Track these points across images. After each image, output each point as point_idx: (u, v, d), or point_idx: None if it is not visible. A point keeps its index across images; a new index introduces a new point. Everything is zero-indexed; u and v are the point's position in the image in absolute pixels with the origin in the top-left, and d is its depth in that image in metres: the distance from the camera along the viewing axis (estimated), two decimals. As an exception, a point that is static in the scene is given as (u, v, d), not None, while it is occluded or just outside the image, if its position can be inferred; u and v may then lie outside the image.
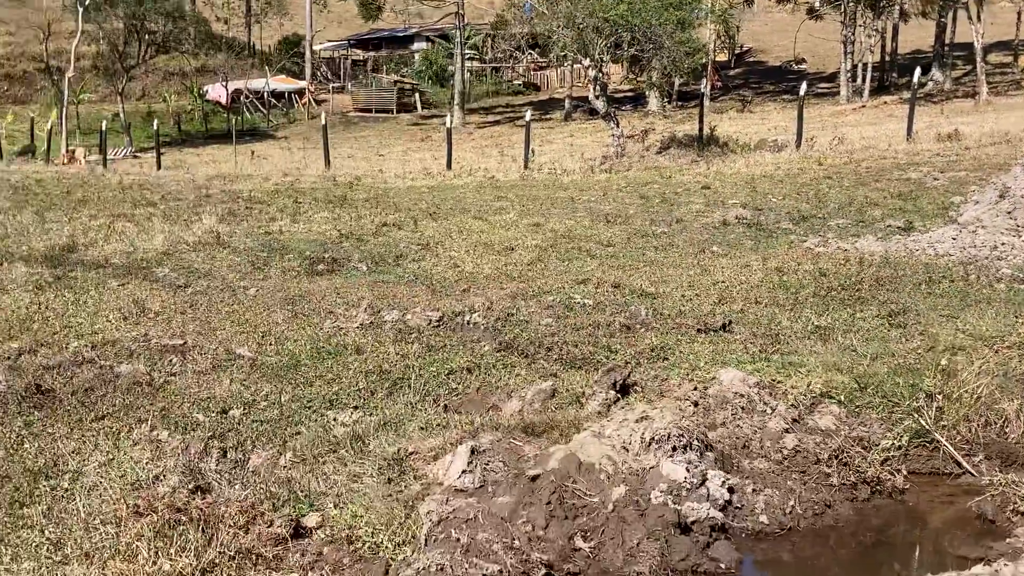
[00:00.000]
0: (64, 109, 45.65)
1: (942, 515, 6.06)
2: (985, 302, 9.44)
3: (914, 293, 9.90)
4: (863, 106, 42.73)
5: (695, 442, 6.00)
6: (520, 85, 66.79)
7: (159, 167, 31.07)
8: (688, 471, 5.72)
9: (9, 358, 7.94)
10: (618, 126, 27.02)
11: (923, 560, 5.55)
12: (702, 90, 32.70)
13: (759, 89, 55.14)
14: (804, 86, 25.87)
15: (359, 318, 9.27)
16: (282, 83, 63.51)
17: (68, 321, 9.24)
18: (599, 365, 7.72)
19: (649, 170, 22.14)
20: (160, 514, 5.07)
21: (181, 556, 4.78)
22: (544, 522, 5.35)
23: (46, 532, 5.19)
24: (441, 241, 13.54)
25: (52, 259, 12.32)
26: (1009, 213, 12.19)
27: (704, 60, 48.51)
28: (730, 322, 8.97)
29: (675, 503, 5.50)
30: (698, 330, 8.79)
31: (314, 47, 67.93)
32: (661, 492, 5.55)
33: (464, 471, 5.76)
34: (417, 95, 62.07)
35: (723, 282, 10.59)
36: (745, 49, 68.62)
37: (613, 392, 6.99)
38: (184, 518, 5.07)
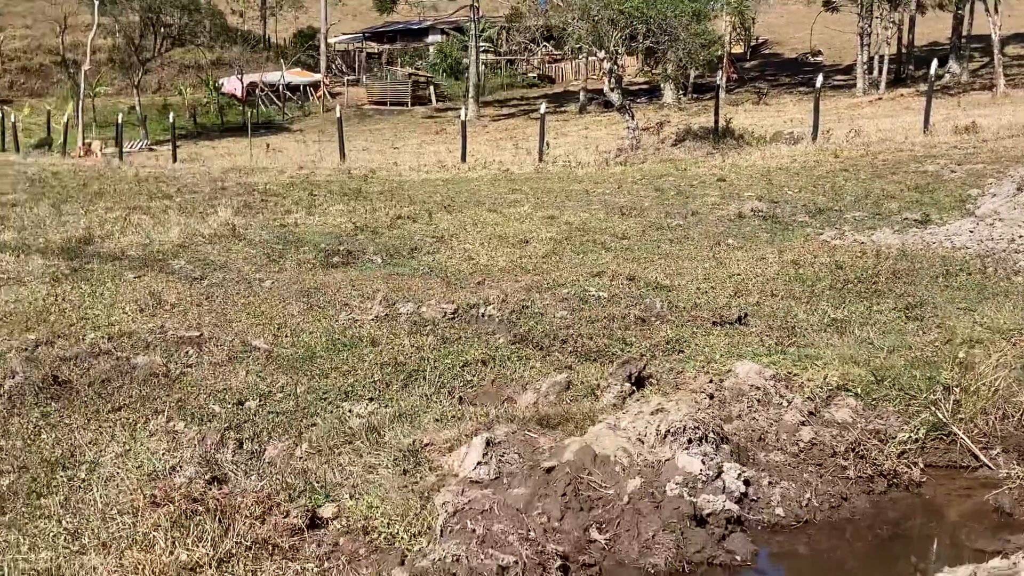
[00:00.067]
0: (80, 102, 45.79)
1: (959, 508, 6.03)
2: (1003, 295, 9.39)
3: (931, 286, 9.85)
4: (879, 98, 42.50)
5: (711, 434, 5.99)
6: (535, 78, 66.68)
7: (175, 160, 31.12)
8: (704, 463, 5.71)
9: (26, 349, 7.98)
10: (633, 118, 26.95)
11: (940, 553, 5.53)
12: (717, 82, 32.62)
13: (775, 81, 54.94)
14: (820, 78, 25.74)
15: (374, 310, 9.28)
16: (297, 76, 63.57)
17: (85, 313, 9.28)
18: (614, 358, 7.71)
19: (664, 162, 22.07)
20: (177, 504, 5.10)
21: (198, 546, 4.80)
22: (559, 514, 5.35)
23: (63, 522, 5.22)
24: (456, 234, 13.53)
25: (69, 251, 12.38)
26: (1027, 206, 12.11)
27: (720, 52, 48.34)
28: (746, 315, 8.94)
29: (691, 495, 5.49)
30: (713, 323, 8.77)
31: (329, 40, 67.93)
32: (677, 484, 5.54)
33: (479, 463, 5.77)
34: (432, 88, 62.06)
35: (739, 275, 10.56)
36: (761, 41, 68.35)
37: (628, 384, 6.99)
38: (201, 508, 5.10)
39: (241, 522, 5.02)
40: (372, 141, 41.04)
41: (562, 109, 51.13)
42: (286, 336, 8.55)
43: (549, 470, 5.66)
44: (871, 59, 49.31)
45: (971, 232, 11.93)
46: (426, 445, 6.20)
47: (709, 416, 6.26)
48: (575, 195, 17.07)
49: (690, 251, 11.96)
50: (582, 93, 52.78)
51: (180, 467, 5.80)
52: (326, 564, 4.85)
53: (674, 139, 26.52)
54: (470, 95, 52.96)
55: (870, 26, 47.96)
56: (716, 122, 26.76)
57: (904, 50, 53.03)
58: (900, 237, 12.19)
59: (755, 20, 61.15)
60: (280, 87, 60.43)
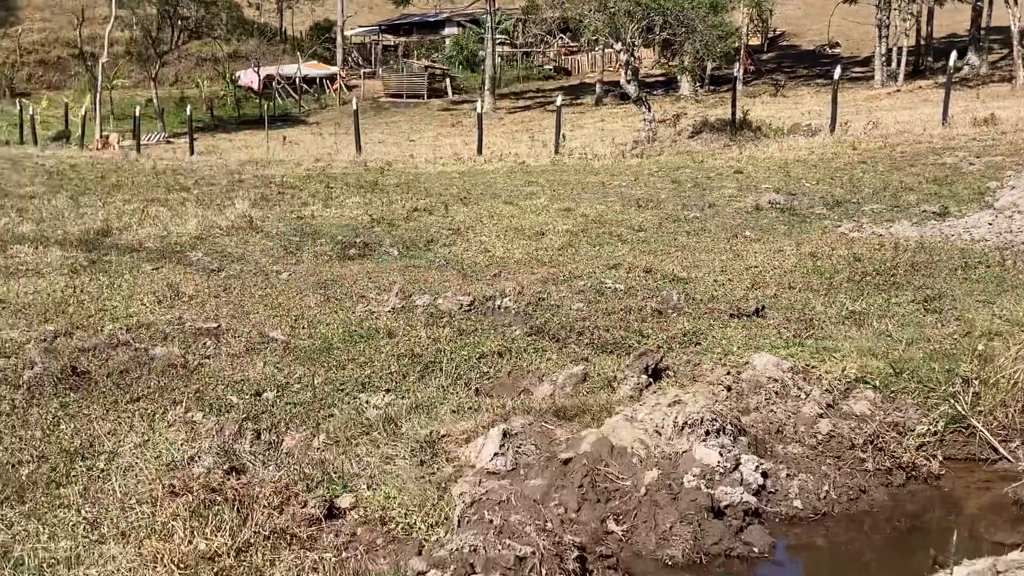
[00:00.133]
0: (98, 95, 45.98)
1: (978, 501, 6.01)
2: (1022, 287, 9.33)
3: (950, 278, 9.80)
4: (898, 90, 42.28)
5: (728, 426, 5.97)
6: (551, 70, 66.62)
7: (192, 152, 31.24)
8: (721, 455, 5.70)
9: (45, 340, 8.01)
10: (649, 110, 26.89)
11: (959, 546, 5.49)
12: (735, 74, 32.44)
13: (792, 73, 54.72)
14: (838, 70, 25.64)
15: (391, 302, 9.29)
16: (313, 69, 63.68)
17: (103, 304, 9.31)
18: (631, 350, 7.70)
19: (681, 155, 22.02)
20: (195, 494, 5.12)
21: (216, 535, 4.82)
22: (576, 505, 5.35)
23: (83, 511, 5.24)
24: (472, 226, 13.53)
25: (87, 243, 12.43)
26: (1047, 198, 12.04)
27: (737, 44, 48.19)
28: (763, 307, 8.91)
29: (708, 487, 5.48)
30: (731, 315, 8.74)
31: (345, 32, 67.99)
32: (694, 476, 5.53)
33: (496, 454, 5.77)
34: (448, 80, 62.06)
35: (756, 267, 10.53)
36: (778, 33, 68.08)
37: (645, 376, 6.97)
38: (219, 498, 5.12)
39: (259, 512, 5.04)
40: (388, 134, 41.08)
41: (578, 101, 51.06)
42: (303, 328, 8.57)
43: (566, 461, 5.65)
44: (889, 51, 49.03)
45: (990, 224, 11.87)
46: (443, 436, 6.21)
47: (727, 408, 6.25)
48: (591, 187, 17.05)
49: (707, 243, 11.94)
50: (598, 85, 52.68)
51: (198, 457, 5.82)
52: (344, 554, 4.86)
53: (691, 131, 26.45)
54: (486, 87, 52.95)
55: (888, 17, 47.69)
56: (733, 114, 26.65)
57: (922, 42, 52.71)
58: (919, 229, 12.13)
59: (772, 12, 60.95)
60: (296, 80, 60.52)
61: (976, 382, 6.59)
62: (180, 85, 61.00)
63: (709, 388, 6.65)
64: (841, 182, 15.82)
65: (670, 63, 46.17)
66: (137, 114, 36.95)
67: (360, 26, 74.83)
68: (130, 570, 4.59)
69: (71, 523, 5.12)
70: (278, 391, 7.07)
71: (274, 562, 4.72)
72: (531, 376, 7.42)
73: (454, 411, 6.68)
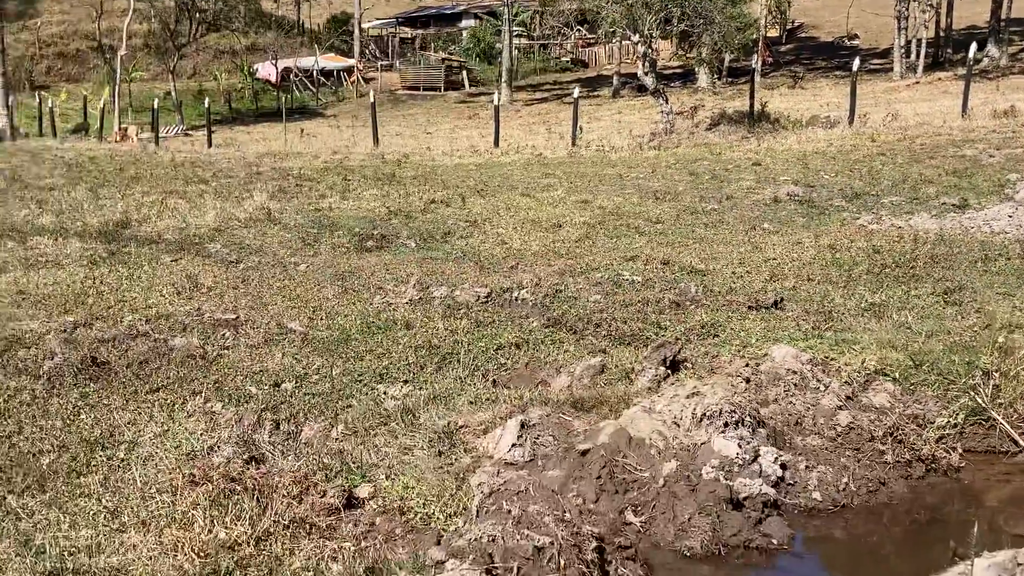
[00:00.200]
0: (116, 87, 46.15)
1: (998, 493, 5.98)
2: (1043, 280, 9.27)
3: (970, 271, 9.74)
4: (917, 82, 41.99)
5: (747, 418, 5.96)
6: (568, 62, 66.44)
7: (210, 145, 31.34)
8: (740, 447, 5.69)
9: (65, 331, 8.06)
10: (667, 102, 26.80)
11: (979, 538, 5.47)
12: (753, 66, 32.33)
13: (811, 65, 54.41)
14: (857, 62, 25.47)
15: (408, 294, 9.31)
16: (331, 61, 63.74)
17: (122, 295, 9.36)
18: (648, 341, 7.69)
19: (699, 147, 21.95)
20: (215, 483, 5.14)
21: (236, 524, 4.84)
22: (594, 496, 5.35)
23: (103, 500, 5.27)
24: (489, 218, 13.53)
25: (106, 235, 12.50)
26: (1068, 190, 11.95)
27: (755, 35, 48.01)
28: (782, 299, 8.88)
29: (727, 479, 5.47)
30: (749, 307, 8.72)
31: (363, 25, 68.02)
32: (713, 468, 5.52)
33: (514, 444, 5.78)
34: (465, 73, 62.00)
35: (774, 259, 10.49)
36: (796, 24, 67.73)
37: (663, 368, 6.97)
38: (239, 488, 5.14)
39: (279, 501, 5.06)
40: (405, 126, 41.09)
41: (595, 93, 50.95)
42: (321, 319, 8.60)
43: (584, 452, 5.66)
44: (908, 42, 48.72)
45: (1010, 217, 11.78)
46: (461, 427, 6.22)
47: (745, 400, 6.23)
48: (609, 179, 17.02)
49: (725, 235, 11.90)
50: (616, 77, 52.52)
51: (218, 447, 5.85)
52: (363, 543, 4.87)
53: (709, 123, 26.35)
54: (503, 80, 52.87)
55: (907, 9, 47.34)
56: (751, 106, 26.55)
57: (942, 33, 52.34)
58: (938, 222, 12.07)
59: (791, 3, 60.55)
60: (314, 72, 60.61)
61: (996, 374, 6.56)
62: (198, 78, 61.16)
63: (728, 380, 6.63)
64: (860, 174, 15.74)
65: (688, 55, 46.06)
66: (155, 107, 37.06)
67: (377, 18, 74.86)
68: (150, 558, 4.62)
69: (92, 512, 5.15)
70: (297, 382, 7.10)
71: (293, 551, 4.74)
72: (548, 367, 7.42)
73: (472, 402, 6.69)
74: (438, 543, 4.77)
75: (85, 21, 62.94)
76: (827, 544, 5.53)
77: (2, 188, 16.94)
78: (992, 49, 46.53)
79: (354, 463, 5.76)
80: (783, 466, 5.80)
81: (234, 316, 8.59)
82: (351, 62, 63.95)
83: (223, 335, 8.09)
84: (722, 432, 5.80)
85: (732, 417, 5.89)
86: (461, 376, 7.24)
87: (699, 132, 25.14)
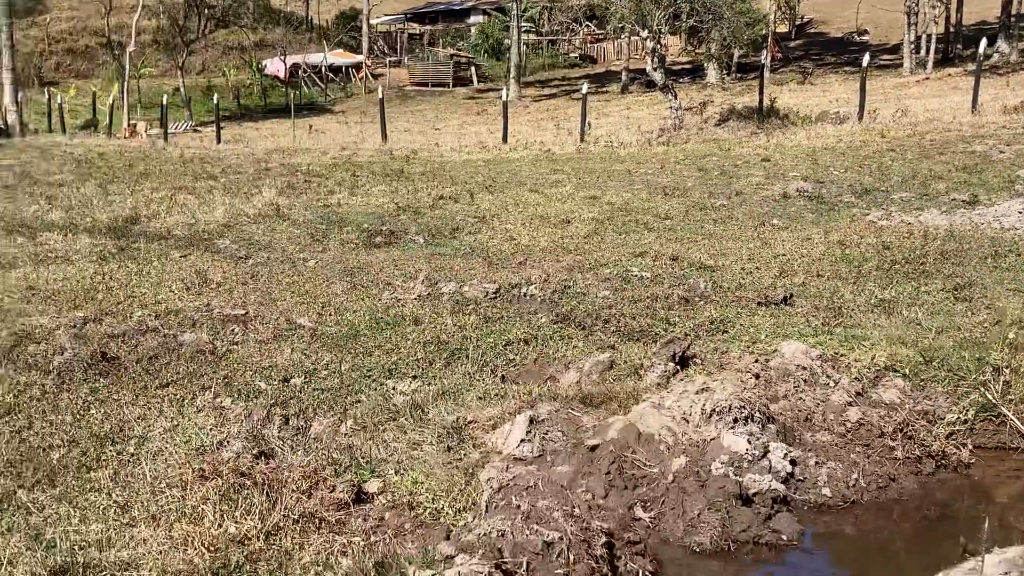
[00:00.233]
0: (125, 83, 46.21)
1: (1008, 490, 5.96)
2: (1054, 276, 9.24)
3: (980, 267, 9.71)
4: (927, 78, 41.86)
5: (757, 414, 5.95)
6: (576, 58, 66.38)
7: (219, 141, 31.38)
8: (750, 443, 5.68)
9: (75, 326, 8.08)
10: (676, 98, 26.77)
11: (989, 534, 5.46)
12: (762, 61, 32.23)
13: (820, 61, 54.26)
14: (867, 57, 25.40)
15: (417, 290, 9.31)
16: (339, 57, 63.74)
17: (132, 291, 9.38)
18: (657, 337, 7.68)
19: (708, 142, 21.92)
20: (225, 478, 5.15)
21: (246, 519, 4.85)
22: (604, 491, 5.35)
23: (113, 495, 5.29)
24: (497, 214, 13.53)
25: (115, 231, 12.52)
26: (1079, 186, 11.90)
27: (764, 31, 47.88)
28: (791, 295, 8.87)
29: (736, 475, 5.46)
30: (758, 303, 8.70)
31: (371, 21, 68.01)
32: (722, 463, 5.52)
33: (523, 440, 5.78)
34: (473, 69, 61.96)
35: (784, 255, 10.47)
36: (806, 20, 67.58)
37: (672, 364, 6.95)
38: (248, 482, 5.15)
39: (288, 496, 5.07)
40: (414, 122, 41.10)
41: (604, 89, 50.87)
42: (330, 315, 8.60)
43: (593, 448, 5.65)
44: (918, 38, 48.57)
45: (1020, 213, 11.75)
46: (469, 422, 6.22)
47: (755, 396, 6.22)
48: (617, 175, 17.01)
49: (734, 231, 11.88)
50: (624, 73, 52.42)
51: (227, 442, 5.86)
52: (372, 538, 4.88)
53: (718, 119, 26.32)
54: (511, 75, 52.83)
55: (917, 5, 47.18)
56: (760, 102, 26.50)
57: (952, 29, 52.16)
58: (948, 218, 12.03)
59: (800, -1, 60.46)
60: (322, 68, 60.64)
61: (1007, 370, 6.54)
62: (207, 74, 61.22)
63: (737, 376, 6.62)
64: (870, 170, 15.71)
65: (697, 50, 45.92)
66: (164, 103, 37.14)
67: (386, 14, 74.86)
68: (161, 553, 4.62)
69: (102, 506, 5.16)
70: (306, 377, 7.10)
71: (303, 545, 4.74)
72: (557, 363, 7.41)
73: (480, 397, 6.69)
74: (447, 538, 4.78)
75: (94, 17, 63.06)
76: (837, 540, 5.52)
77: (12, 184, 16.98)
78: (1002, 45, 46.32)
79: (363, 458, 5.76)
80: (793, 462, 5.79)
81: (243, 312, 8.60)
82: (360, 58, 63.95)
83: (232, 331, 8.10)
84: (731, 428, 5.79)
85: (742, 413, 5.88)
86: (470, 372, 7.23)
87: (708, 128, 25.11)
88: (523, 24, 57.78)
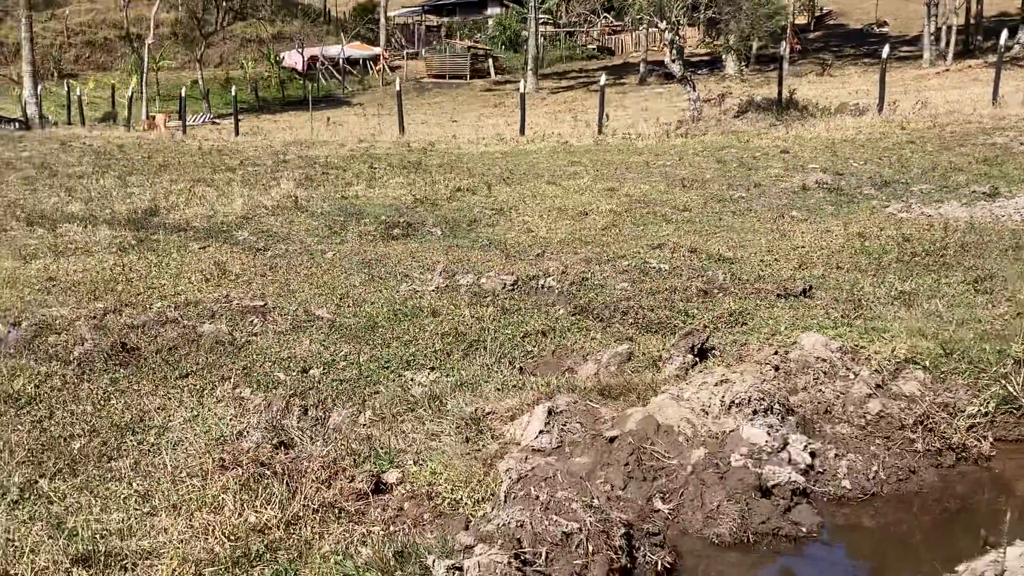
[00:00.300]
0: (144, 76, 46.39)
1: (1030, 483, 5.93)
2: (1076, 268, 9.17)
3: (1000, 259, 9.65)
4: (947, 70, 41.58)
5: (776, 406, 5.93)
6: (594, 50, 66.15)
7: (237, 133, 31.46)
8: (769, 435, 5.66)
9: (95, 317, 8.12)
10: (694, 90, 26.68)
11: (1010, 527, 5.43)
12: (781, 53, 32.09)
13: (839, 53, 53.96)
14: (886, 49, 25.27)
15: (434, 281, 9.32)
16: (357, 50, 63.75)
17: (151, 282, 9.43)
18: (676, 329, 7.66)
19: (726, 134, 21.85)
20: (245, 468, 5.18)
21: (266, 508, 4.87)
22: (622, 483, 5.34)
23: (134, 484, 5.31)
24: (515, 206, 13.52)
25: (135, 222, 12.59)
26: (1102, 177, 11.81)
27: (783, 23, 47.63)
28: (811, 287, 8.83)
29: (755, 466, 5.44)
30: (778, 295, 8.67)
31: (389, 13, 68.00)
32: (741, 455, 5.50)
33: (541, 431, 5.78)
34: (490, 61, 61.87)
35: (803, 247, 10.43)
36: (825, 12, 67.18)
37: (691, 356, 6.94)
38: (268, 472, 5.17)
39: (308, 486, 5.09)
40: (431, 114, 41.09)
41: (622, 81, 50.75)
42: (348, 306, 8.62)
43: (612, 439, 5.65)
44: (938, 29, 48.21)
45: (1042, 205, 11.68)
46: (488, 413, 6.22)
47: (774, 388, 6.20)
48: (635, 167, 16.97)
49: (753, 223, 11.85)
50: (642, 65, 52.27)
51: (247, 432, 5.88)
52: (392, 528, 4.89)
53: (736, 111, 26.22)
54: (529, 68, 52.73)
55: (937, -4, 46.87)
56: (779, 93, 26.39)
57: (972, 20, 51.78)
58: (968, 210, 11.96)
59: (819, -10, 60.13)
60: (340, 61, 60.67)
61: (1028, 363, 6.49)
62: (225, 66, 61.33)
63: (756, 368, 6.60)
64: (889, 162, 15.63)
65: (715, 42, 45.70)
66: (183, 95, 37.26)
67: (403, 7, 74.86)
68: (182, 541, 4.65)
69: (123, 496, 5.19)
70: (324, 368, 7.12)
71: (323, 535, 4.76)
72: (575, 355, 7.41)
73: (498, 389, 6.69)
74: (466, 528, 4.78)
75: (113, 10, 63.32)
76: (856, 532, 5.50)
77: (32, 176, 17.07)
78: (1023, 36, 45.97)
79: (382, 449, 5.78)
80: (812, 454, 5.77)
81: (262, 303, 8.63)
82: (377, 50, 63.95)
83: (251, 322, 8.13)
84: (751, 420, 5.77)
85: (761, 405, 5.86)
86: (488, 363, 7.24)
87: (727, 120, 25.02)
88: (541, 16, 57.64)
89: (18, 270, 9.98)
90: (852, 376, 6.62)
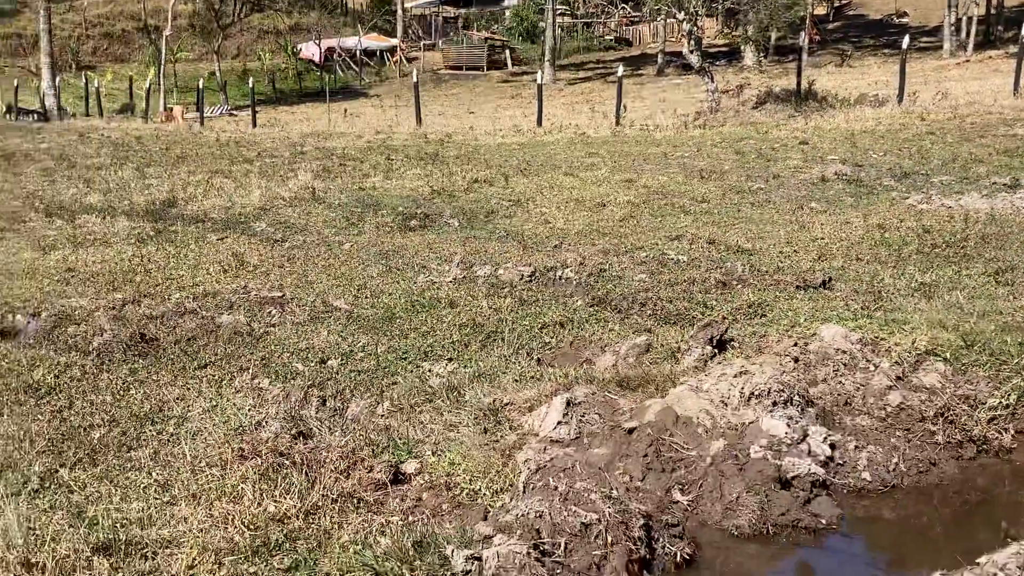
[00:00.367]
0: (162, 68, 46.49)
1: (1051, 475, 5.88)
2: (1098, 260, 9.09)
3: (1021, 251, 9.58)
4: (967, 60, 41.28)
5: (796, 398, 5.91)
6: (612, 40, 65.88)
7: (254, 125, 31.51)
8: (788, 426, 5.64)
9: (114, 308, 8.16)
10: (712, 81, 26.56)
11: (1032, 521, 5.40)
12: (800, 44, 31.92)
13: (859, 43, 53.63)
14: (906, 40, 25.10)
15: (452, 272, 9.31)
16: (374, 41, 63.69)
17: (170, 273, 9.46)
18: (694, 321, 7.62)
19: (744, 125, 21.74)
20: (264, 458, 5.19)
21: (285, 498, 4.88)
22: (641, 474, 5.33)
23: (154, 474, 5.34)
24: (532, 197, 13.50)
25: (153, 213, 12.63)
26: (1125, 168, 11.70)
27: (802, 13, 47.37)
28: (830, 279, 8.79)
29: (775, 458, 5.42)
30: (797, 287, 8.62)
31: (406, 5, 67.95)
32: (761, 447, 5.48)
33: (560, 422, 5.77)
34: (507, 52, 61.72)
35: (822, 239, 10.38)
36: (844, 2, 66.77)
37: (710, 347, 6.91)
38: (287, 462, 5.18)
39: (327, 476, 5.10)
40: (448, 106, 41.06)
41: (639, 72, 50.56)
42: (366, 297, 8.63)
43: (630, 431, 5.64)
44: (959, 20, 47.85)
45: (1064, 196, 11.58)
46: (506, 405, 6.21)
47: (794, 379, 6.18)
48: (653, 158, 16.92)
49: (772, 215, 11.79)
50: (660, 56, 52.03)
51: (265, 422, 5.90)
52: (410, 518, 4.89)
53: (755, 102, 26.09)
54: (546, 59, 52.58)
55: (958, -14, 46.51)
56: (798, 84, 26.25)
57: (993, 11, 51.41)
58: (989, 201, 11.87)
59: (838, -19, 59.76)
60: (357, 52, 60.65)
61: (1050, 355, 6.44)
62: (242, 58, 61.39)
63: (776, 359, 6.57)
64: (909, 153, 15.53)
65: (734, 33, 45.55)
66: (200, 87, 37.33)
67: (420, -2, 74.73)
68: (201, 531, 4.66)
69: (143, 485, 5.21)
70: (342, 359, 7.13)
71: (342, 524, 4.77)
72: (593, 346, 7.39)
73: (516, 380, 6.68)
74: (485, 518, 4.78)
75: (131, 2, 63.44)
76: (876, 524, 5.47)
77: (50, 167, 17.15)
78: (1045, 26, 45.56)
79: (400, 439, 5.78)
80: (832, 446, 5.74)
81: (280, 294, 8.65)
82: (394, 42, 63.89)
83: (269, 312, 8.15)
84: (770, 411, 5.75)
85: (780, 396, 5.84)
86: (505, 354, 7.23)
87: (745, 111, 24.92)
88: (558, 7, 57.50)
89: (37, 261, 10.03)
90: (872, 368, 6.58)
